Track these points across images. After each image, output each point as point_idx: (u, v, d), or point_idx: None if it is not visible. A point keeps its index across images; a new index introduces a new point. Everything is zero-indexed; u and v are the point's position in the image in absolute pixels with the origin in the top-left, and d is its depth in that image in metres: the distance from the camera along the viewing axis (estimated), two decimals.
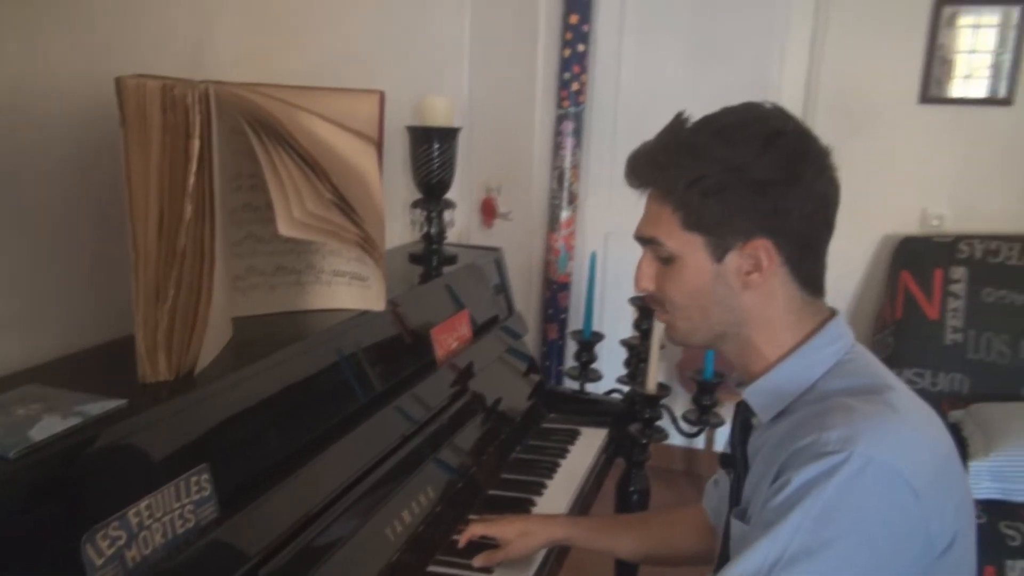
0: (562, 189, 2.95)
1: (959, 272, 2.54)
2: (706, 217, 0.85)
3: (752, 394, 0.90)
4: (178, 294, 0.86)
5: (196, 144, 0.82)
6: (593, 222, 3.14)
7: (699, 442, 3.10)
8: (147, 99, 0.81)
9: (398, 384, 1.28)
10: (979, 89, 2.67)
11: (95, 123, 1.01)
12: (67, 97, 1.00)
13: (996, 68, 2.65)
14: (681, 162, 0.86)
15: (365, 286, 1.21)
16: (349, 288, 1.21)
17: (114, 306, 1.03)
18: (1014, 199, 2.66)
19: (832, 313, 0.90)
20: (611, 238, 3.12)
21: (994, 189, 2.68)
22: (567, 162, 2.93)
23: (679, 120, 0.89)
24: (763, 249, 0.84)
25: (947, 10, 2.64)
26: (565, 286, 3.02)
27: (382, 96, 1.19)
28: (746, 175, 0.83)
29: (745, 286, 0.86)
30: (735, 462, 0.96)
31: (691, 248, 0.87)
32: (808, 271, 0.87)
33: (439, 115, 1.62)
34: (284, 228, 0.97)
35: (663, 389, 1.65)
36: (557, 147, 2.94)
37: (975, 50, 2.66)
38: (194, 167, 0.83)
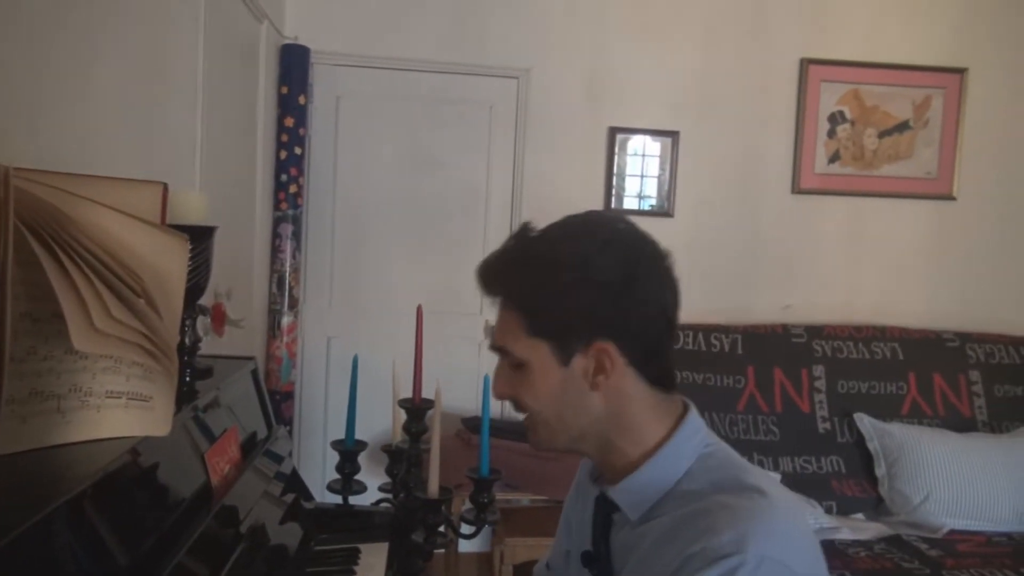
0: (283, 294, 2.81)
1: None
2: (548, 322, 0.87)
3: (619, 493, 0.91)
4: None
5: None
6: (314, 327, 3.03)
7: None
8: None
9: (178, 527, 1.08)
10: (644, 204, 3.18)
11: None
12: None
13: (660, 187, 3.17)
14: (522, 269, 0.88)
15: (147, 408, 1.02)
16: (126, 411, 1.01)
17: None
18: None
19: (686, 406, 0.95)
20: (333, 343, 3.03)
21: None
22: (287, 266, 2.82)
23: (524, 229, 0.91)
24: (605, 352, 0.87)
25: (619, 137, 3.12)
26: (289, 395, 2.84)
27: (166, 188, 1.06)
28: (583, 278, 0.85)
29: (594, 388, 0.88)
30: (598, 558, 0.96)
31: (537, 354, 0.88)
32: (654, 371, 0.90)
33: (193, 212, 1.46)
34: (81, 342, 0.78)
35: (445, 492, 1.61)
36: (276, 250, 2.82)
37: (644, 173, 3.17)
38: None
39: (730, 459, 0.91)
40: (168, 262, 0.92)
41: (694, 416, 0.94)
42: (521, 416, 0.96)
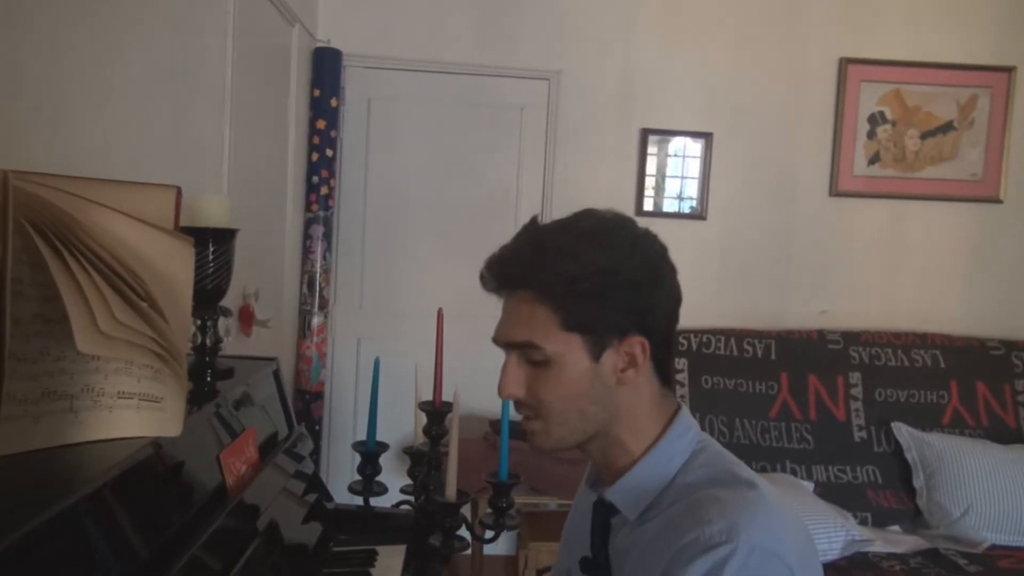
0: (313, 294, 2.84)
1: (680, 363, 2.87)
2: (586, 316, 0.87)
3: (616, 493, 0.92)
4: None
5: None
6: (344, 328, 3.06)
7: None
8: None
9: (191, 525, 1.09)
10: (684, 206, 3.14)
11: None
12: None
13: (694, 189, 3.13)
14: (558, 264, 0.87)
15: (158, 408, 1.03)
16: (137, 412, 1.02)
17: None
18: (711, 297, 3.10)
19: (679, 405, 0.96)
20: (363, 344, 3.05)
21: (697, 289, 3.11)
22: (318, 267, 2.85)
23: (537, 225, 0.93)
24: (639, 345, 0.89)
25: (653, 138, 3.09)
26: (318, 395, 2.87)
27: (179, 192, 1.07)
28: (619, 276, 0.87)
29: (619, 383, 0.89)
30: (598, 565, 0.95)
31: (570, 348, 0.88)
32: (666, 363, 0.93)
33: (215, 215, 1.48)
34: (85, 344, 0.79)
35: (463, 496, 1.60)
36: (307, 251, 2.84)
37: (679, 174, 3.13)
38: None
39: (721, 454, 0.93)
40: (175, 265, 0.92)
41: (686, 414, 0.95)
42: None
